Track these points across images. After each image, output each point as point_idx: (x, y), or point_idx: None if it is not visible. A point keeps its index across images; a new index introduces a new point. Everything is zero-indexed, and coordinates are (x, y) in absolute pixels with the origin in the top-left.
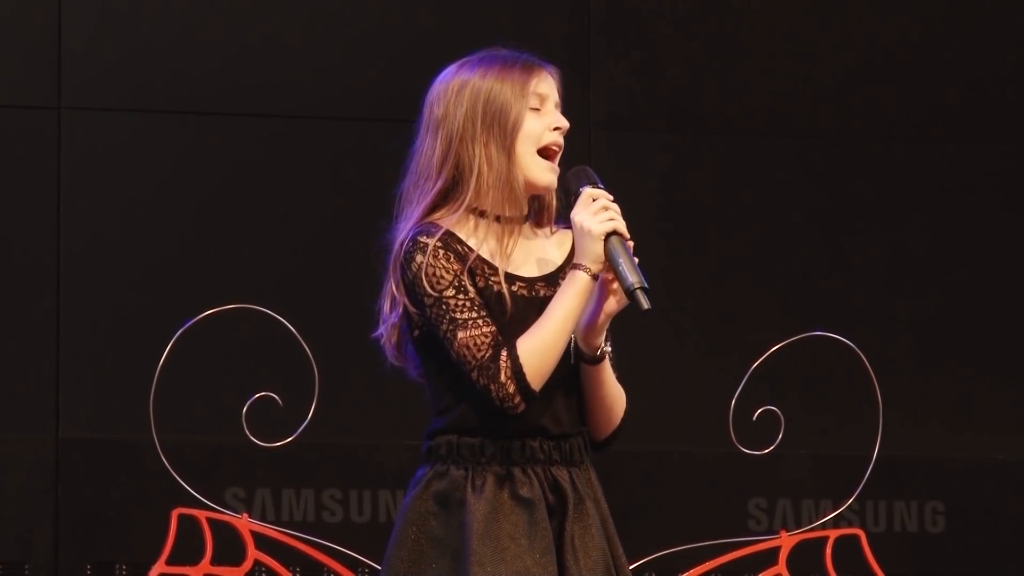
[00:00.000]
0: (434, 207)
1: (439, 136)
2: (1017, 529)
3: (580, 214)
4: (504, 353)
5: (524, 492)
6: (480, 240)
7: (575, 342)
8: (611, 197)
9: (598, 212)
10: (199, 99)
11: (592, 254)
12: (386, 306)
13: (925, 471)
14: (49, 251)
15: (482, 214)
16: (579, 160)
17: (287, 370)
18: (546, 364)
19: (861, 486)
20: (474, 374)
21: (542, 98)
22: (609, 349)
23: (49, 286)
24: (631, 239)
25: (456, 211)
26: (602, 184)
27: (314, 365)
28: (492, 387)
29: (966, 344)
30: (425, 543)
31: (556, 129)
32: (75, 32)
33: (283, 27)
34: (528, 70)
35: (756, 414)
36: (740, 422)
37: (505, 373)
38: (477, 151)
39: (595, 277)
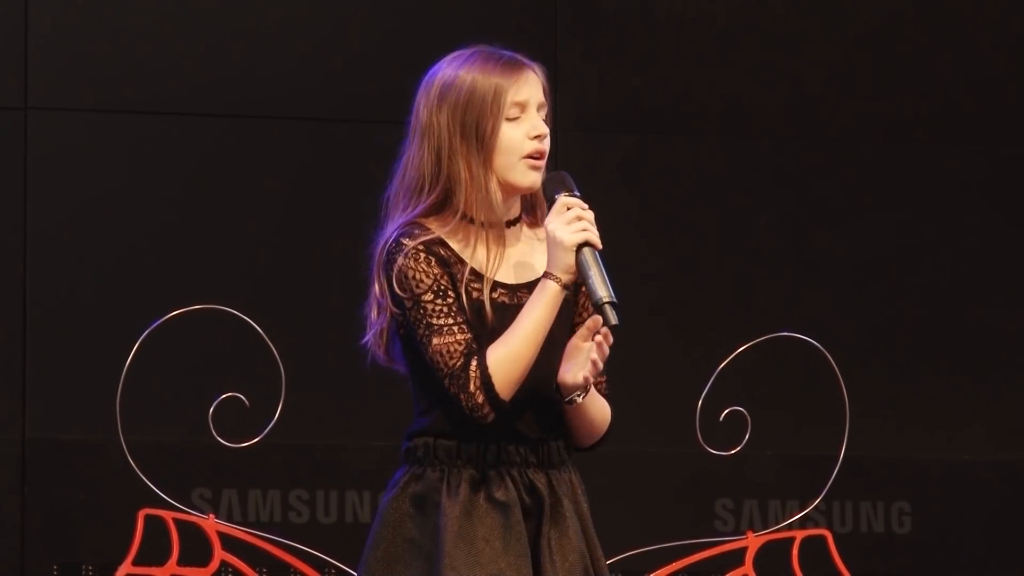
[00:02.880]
0: (426, 215)
1: (425, 146)
2: (983, 530)
3: (553, 222)
4: (474, 363)
5: (499, 495)
6: (470, 247)
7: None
8: (586, 205)
9: (572, 222)
10: (165, 99)
11: (563, 264)
12: (373, 312)
13: (891, 472)
14: (15, 251)
15: (472, 221)
16: (549, 160)
17: (254, 371)
18: (515, 374)
19: (827, 487)
20: (446, 381)
21: (521, 105)
22: (580, 400)
23: (15, 286)
24: (602, 248)
25: (448, 221)
26: (578, 191)
27: (281, 366)
28: (462, 396)
29: (932, 345)
30: (401, 544)
31: (536, 137)
32: (41, 32)
33: (250, 27)
34: (508, 76)
35: (723, 415)
36: (707, 423)
37: (474, 383)
38: (460, 163)
39: (565, 287)
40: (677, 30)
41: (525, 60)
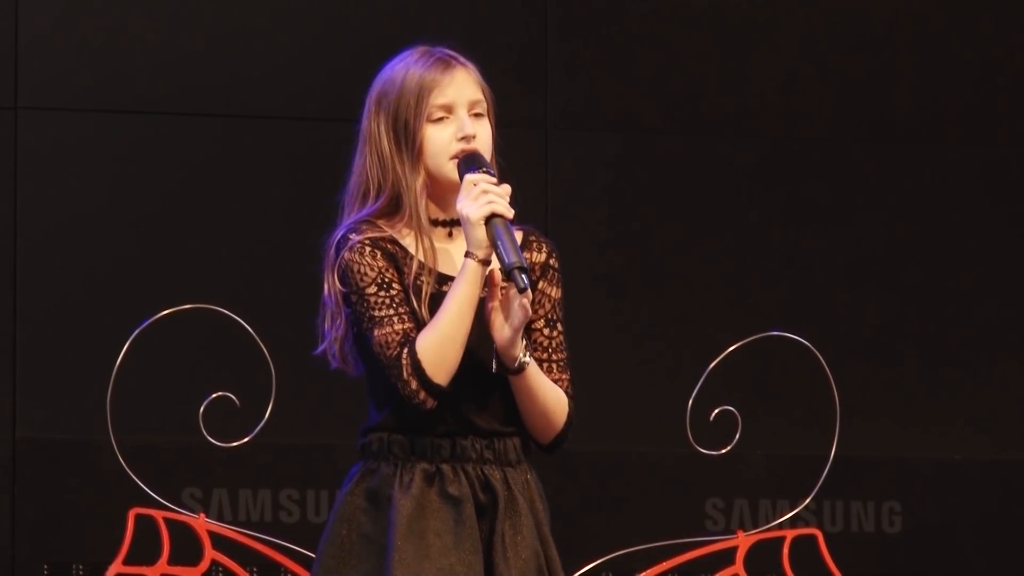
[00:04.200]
0: (377, 217)
1: (366, 152)
2: (973, 529)
3: (460, 202)
4: (406, 351)
5: (452, 490)
6: (420, 244)
7: (496, 355)
8: (493, 180)
9: (477, 197)
10: (156, 99)
11: (475, 240)
12: (327, 322)
13: (882, 471)
14: (6, 251)
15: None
16: (535, 160)
17: (244, 370)
18: (445, 356)
19: (818, 486)
20: (386, 372)
21: (446, 107)
22: (528, 360)
23: (6, 286)
24: (513, 216)
25: (399, 221)
26: (488, 168)
27: (271, 365)
28: (399, 385)
29: (923, 344)
30: (356, 540)
31: (462, 138)
32: (32, 32)
33: (241, 27)
34: (432, 77)
35: (713, 414)
36: (697, 422)
37: (406, 371)
38: (399, 170)
39: (484, 262)
40: (667, 30)
41: (456, 58)
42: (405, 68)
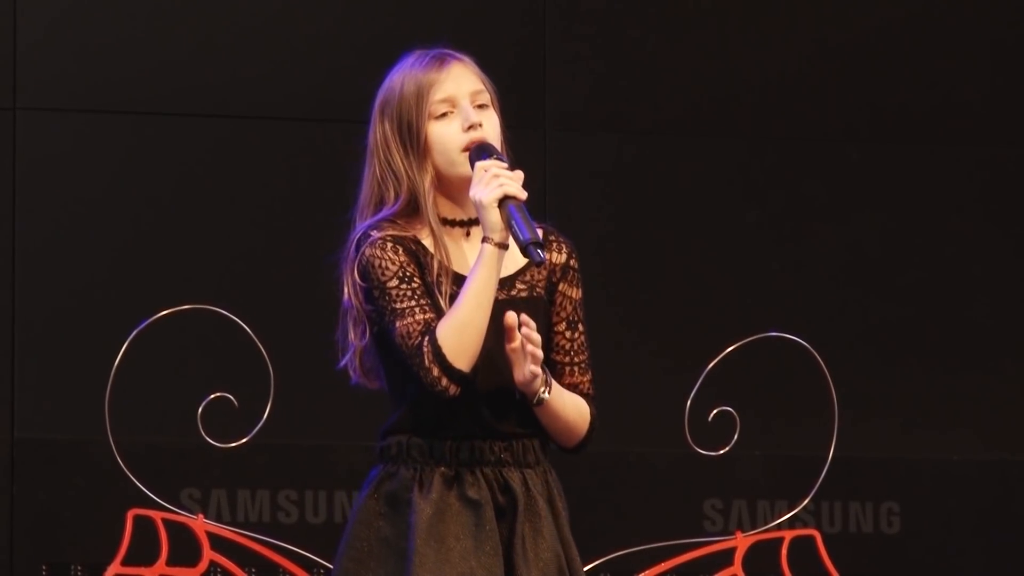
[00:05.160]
0: (396, 218)
1: (375, 162)
2: (972, 530)
3: (473, 189)
4: (427, 339)
5: (472, 493)
6: (441, 244)
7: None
8: (504, 164)
9: (489, 182)
10: (155, 100)
11: (490, 224)
12: (350, 333)
13: (880, 472)
14: (4, 252)
15: (443, 220)
16: (534, 161)
17: (243, 371)
18: (466, 341)
19: (816, 487)
20: (408, 362)
21: (449, 100)
22: (547, 396)
23: (4, 287)
24: (526, 197)
25: (418, 222)
26: (500, 154)
27: (270, 366)
28: (421, 373)
29: (921, 345)
30: (374, 543)
31: (469, 128)
32: (30, 32)
33: (240, 28)
34: (429, 74)
35: (711, 415)
36: (695, 423)
37: (427, 358)
38: (409, 173)
39: (501, 246)
40: (665, 30)
41: (451, 54)
42: (402, 74)
